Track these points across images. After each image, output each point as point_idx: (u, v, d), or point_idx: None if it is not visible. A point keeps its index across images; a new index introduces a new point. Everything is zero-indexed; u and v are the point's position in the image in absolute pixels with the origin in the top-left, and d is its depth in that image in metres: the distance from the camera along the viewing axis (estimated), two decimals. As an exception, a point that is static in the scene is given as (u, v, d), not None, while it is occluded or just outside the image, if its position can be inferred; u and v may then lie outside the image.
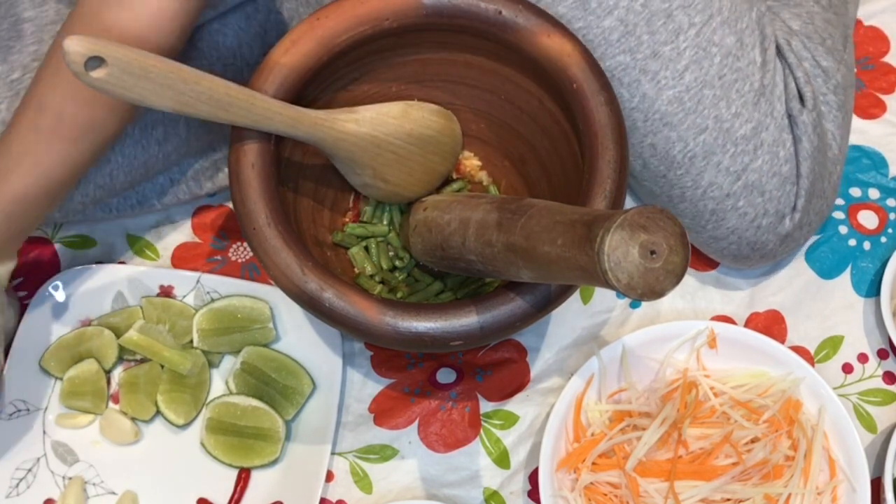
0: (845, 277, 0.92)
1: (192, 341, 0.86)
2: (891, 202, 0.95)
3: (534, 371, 0.88)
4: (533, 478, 0.85)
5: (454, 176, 0.88)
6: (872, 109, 0.98)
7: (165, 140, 0.86)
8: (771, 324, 0.90)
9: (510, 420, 0.87)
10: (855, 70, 0.94)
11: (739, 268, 0.90)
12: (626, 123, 0.82)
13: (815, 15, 0.89)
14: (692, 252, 0.90)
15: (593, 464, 0.80)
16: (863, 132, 0.97)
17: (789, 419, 0.81)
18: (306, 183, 0.83)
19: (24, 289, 0.91)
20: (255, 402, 0.84)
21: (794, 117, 0.83)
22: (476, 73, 0.83)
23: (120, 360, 0.87)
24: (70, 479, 0.83)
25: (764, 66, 0.82)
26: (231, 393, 0.85)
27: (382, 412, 0.87)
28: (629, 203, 0.93)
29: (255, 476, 0.84)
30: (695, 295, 0.91)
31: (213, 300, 0.87)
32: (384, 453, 0.86)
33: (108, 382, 0.86)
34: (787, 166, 0.83)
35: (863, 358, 0.89)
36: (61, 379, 0.85)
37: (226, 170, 0.90)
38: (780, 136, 0.82)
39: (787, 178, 0.83)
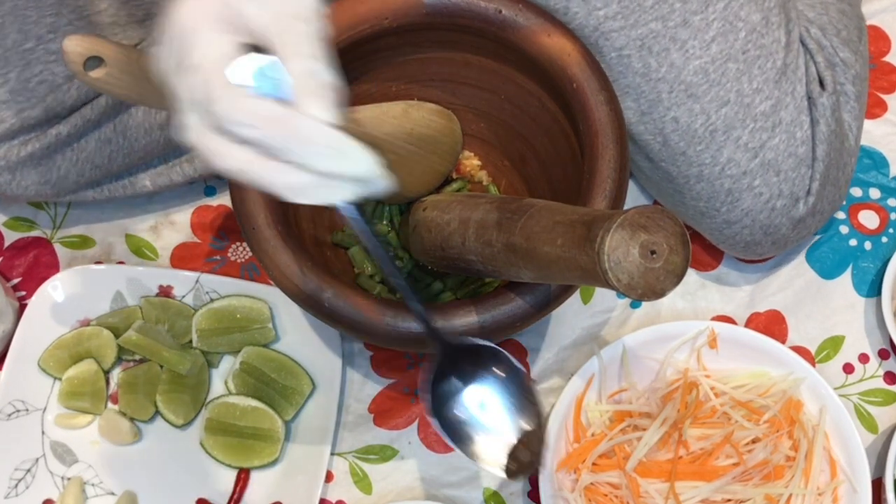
0: (846, 277, 0.92)
1: (191, 341, 0.86)
2: (892, 202, 0.95)
3: (534, 371, 0.88)
4: (533, 478, 0.84)
5: (454, 176, 0.88)
6: (874, 109, 0.98)
7: (168, 125, 0.85)
8: (771, 324, 0.90)
9: (510, 420, 0.86)
10: (868, 64, 0.93)
11: (749, 258, 0.89)
12: (650, 96, 0.82)
13: (829, 6, 0.89)
14: (693, 250, 0.90)
15: (593, 464, 0.80)
16: (864, 132, 0.96)
17: (790, 419, 0.81)
18: (306, 183, 0.82)
19: (23, 289, 0.90)
20: (254, 403, 0.83)
21: (813, 100, 0.83)
22: (476, 72, 0.83)
23: (119, 360, 0.87)
24: (69, 479, 0.83)
25: (788, 47, 0.83)
26: (230, 393, 0.85)
27: (382, 412, 0.87)
28: (636, 194, 0.93)
29: (255, 476, 0.84)
30: (695, 295, 0.91)
31: (212, 300, 0.87)
32: (384, 454, 0.86)
33: (107, 382, 0.86)
34: (803, 148, 0.83)
35: (864, 358, 0.89)
36: (60, 379, 0.85)
37: None
38: (799, 116, 0.83)
39: (802, 159, 0.83)
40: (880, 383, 0.88)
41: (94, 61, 0.60)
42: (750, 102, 0.82)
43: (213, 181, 0.94)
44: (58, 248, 0.92)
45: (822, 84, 0.85)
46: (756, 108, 0.82)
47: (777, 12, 0.83)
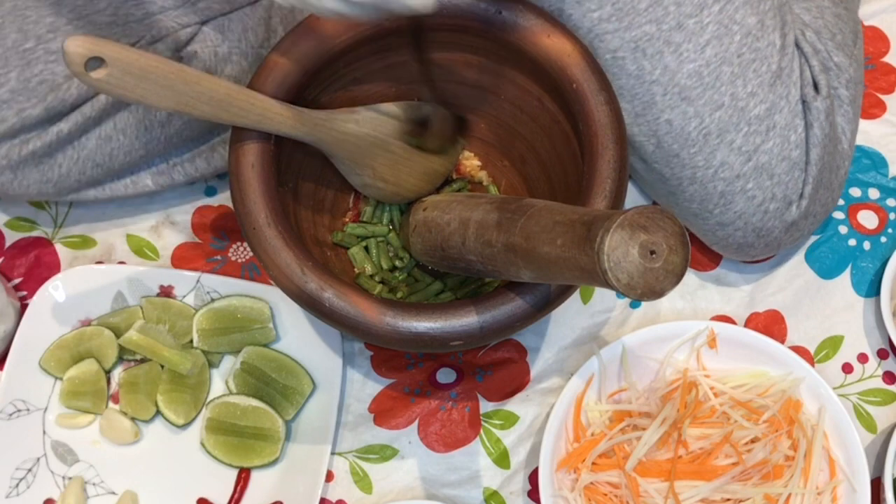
0: (845, 277, 0.92)
1: (192, 341, 0.86)
2: (891, 202, 0.95)
3: (534, 371, 0.88)
4: (533, 478, 0.85)
5: (454, 176, 0.88)
6: (872, 109, 0.98)
7: (168, 122, 0.86)
8: (771, 324, 0.90)
9: (510, 420, 0.87)
10: (863, 67, 0.94)
11: (742, 259, 0.90)
12: (644, 98, 0.82)
13: (825, 10, 0.89)
14: (693, 250, 0.90)
15: (593, 464, 0.80)
16: (863, 132, 0.97)
17: (789, 419, 0.82)
18: (306, 183, 0.83)
19: (24, 289, 0.91)
20: (255, 402, 0.84)
21: (807, 103, 0.83)
22: (476, 73, 0.83)
23: (120, 360, 0.87)
24: (70, 479, 0.83)
25: (783, 50, 0.83)
26: (231, 393, 0.85)
27: (382, 412, 0.87)
28: (635, 195, 0.93)
29: (255, 476, 0.84)
30: (695, 295, 0.91)
31: (212, 300, 0.87)
32: (384, 453, 0.86)
33: (108, 382, 0.86)
34: (797, 151, 0.83)
35: (863, 358, 0.89)
36: (61, 379, 0.85)
37: (222, 151, 0.90)
38: (793, 120, 0.83)
39: (796, 163, 0.83)
40: (879, 383, 0.89)
41: (95, 62, 0.61)
42: (744, 106, 0.82)
43: (213, 181, 0.95)
44: (59, 248, 0.92)
45: (816, 88, 0.85)
46: (750, 111, 0.82)
47: (772, 16, 0.83)
